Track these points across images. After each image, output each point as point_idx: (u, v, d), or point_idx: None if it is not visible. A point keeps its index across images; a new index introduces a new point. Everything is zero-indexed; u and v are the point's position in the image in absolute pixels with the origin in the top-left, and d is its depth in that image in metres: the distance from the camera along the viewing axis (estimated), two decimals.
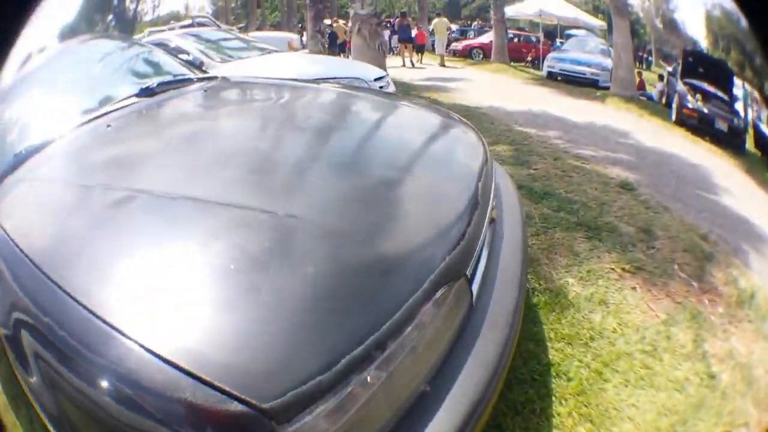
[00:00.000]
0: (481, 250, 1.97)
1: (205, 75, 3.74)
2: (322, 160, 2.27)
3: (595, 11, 11.33)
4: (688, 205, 4.58)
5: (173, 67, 3.76)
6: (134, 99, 2.93)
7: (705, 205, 4.74)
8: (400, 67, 13.71)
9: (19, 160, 2.26)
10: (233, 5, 28.27)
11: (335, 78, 6.00)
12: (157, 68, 3.74)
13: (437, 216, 1.90)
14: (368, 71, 6.66)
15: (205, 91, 3.25)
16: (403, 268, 1.59)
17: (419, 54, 14.65)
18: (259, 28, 23.17)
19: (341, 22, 14.57)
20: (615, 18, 9.13)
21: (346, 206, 1.85)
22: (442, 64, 13.98)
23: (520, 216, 2.59)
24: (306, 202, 1.84)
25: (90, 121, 2.63)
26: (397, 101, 3.54)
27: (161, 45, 6.62)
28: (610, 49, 9.64)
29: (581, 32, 11.57)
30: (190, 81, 3.44)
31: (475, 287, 1.82)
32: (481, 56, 14.26)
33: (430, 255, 1.66)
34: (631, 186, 4.84)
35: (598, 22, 11.19)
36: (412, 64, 14.37)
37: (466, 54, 14.80)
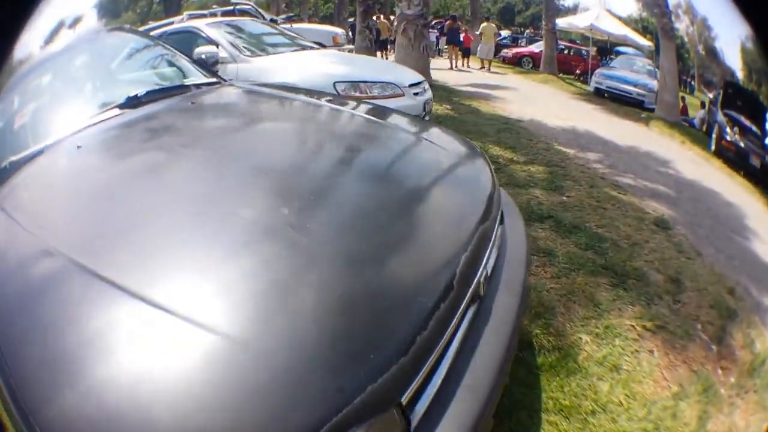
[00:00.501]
0: (442, 357, 1.51)
1: (207, 81, 3.49)
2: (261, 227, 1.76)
3: (645, 31, 10.91)
4: (720, 251, 4.25)
5: (180, 69, 3.55)
6: (116, 111, 2.72)
7: (736, 251, 4.42)
8: (446, 70, 13.70)
9: (3, 176, 2.18)
10: None
11: (366, 81, 5.77)
12: (161, 71, 3.51)
13: (377, 316, 1.42)
14: (403, 76, 6.29)
15: (192, 103, 2.97)
16: (303, 400, 1.18)
17: (466, 58, 14.40)
18: (310, 19, 23.09)
19: (389, 18, 14.26)
20: (662, 40, 8.82)
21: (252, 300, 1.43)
22: (488, 69, 13.84)
23: (521, 281, 2.14)
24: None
25: (68, 136, 2.46)
26: (397, 125, 2.97)
27: (190, 32, 6.61)
28: (657, 70, 9.28)
29: (630, 50, 11.18)
30: (184, 89, 3.18)
31: (419, 409, 1.37)
32: (531, 65, 14.13)
33: (346, 380, 1.23)
34: (666, 224, 4.50)
35: (647, 42, 10.81)
36: (458, 68, 14.15)
37: (516, 62, 14.69)
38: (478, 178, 2.44)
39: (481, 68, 14.07)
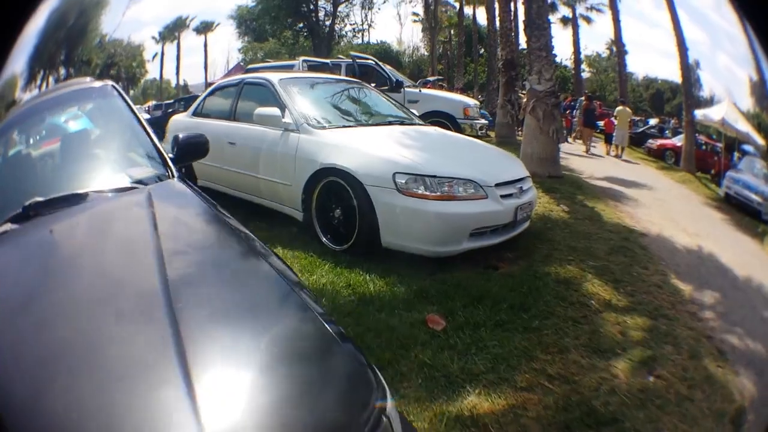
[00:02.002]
0: None
1: (121, 186, 2.55)
2: None
3: (760, 128, 9.13)
4: None
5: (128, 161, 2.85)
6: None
7: None
8: (584, 156, 12.51)
9: None
10: (448, 53, 27.72)
11: (435, 176, 4.48)
12: (95, 165, 2.82)
13: None
14: (492, 172, 4.86)
15: (50, 231, 2.23)
16: None
17: (608, 144, 13.38)
18: (468, 85, 22.20)
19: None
20: None
21: None
22: (619, 156, 12.68)
23: None
24: None
25: None
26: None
27: (264, 86, 5.92)
28: None
29: (752, 150, 9.72)
30: (77, 199, 2.39)
31: None
32: (673, 160, 12.69)
33: None
34: (740, 422, 3.14)
35: (762, 142, 9.33)
36: (592, 154, 13.12)
37: (660, 155, 13.33)
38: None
39: (616, 155, 12.72)
